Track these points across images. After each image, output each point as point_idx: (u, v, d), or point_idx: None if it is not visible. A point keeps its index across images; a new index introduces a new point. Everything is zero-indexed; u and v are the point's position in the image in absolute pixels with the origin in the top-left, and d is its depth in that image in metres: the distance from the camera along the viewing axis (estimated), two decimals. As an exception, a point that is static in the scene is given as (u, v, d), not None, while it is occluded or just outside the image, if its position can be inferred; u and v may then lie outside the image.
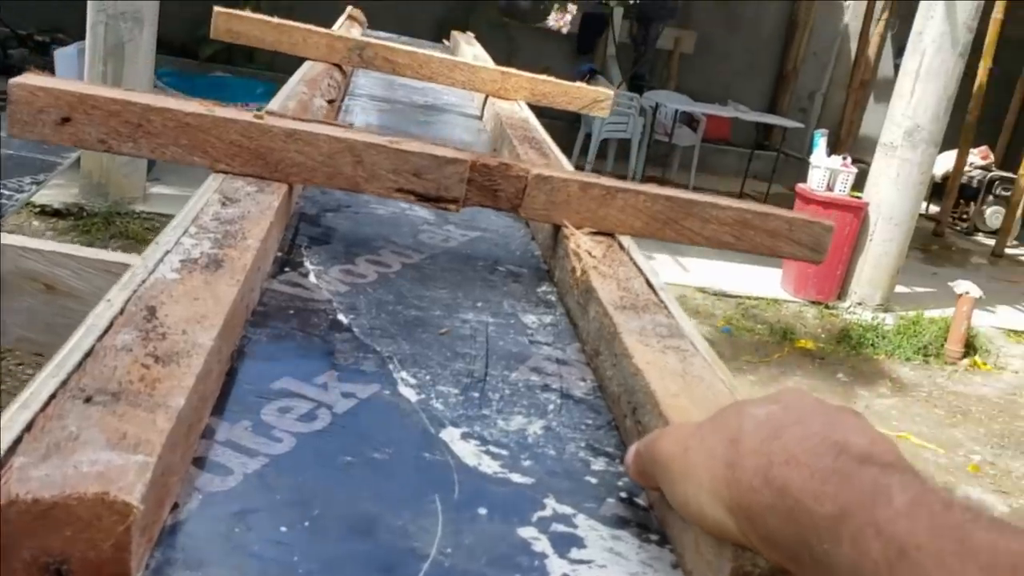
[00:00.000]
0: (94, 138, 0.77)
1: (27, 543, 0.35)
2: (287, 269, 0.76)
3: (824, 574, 0.35)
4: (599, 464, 0.55)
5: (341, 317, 0.69)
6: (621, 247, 0.84)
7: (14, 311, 1.74)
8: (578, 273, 0.77)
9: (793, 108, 9.34)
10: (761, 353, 4.58)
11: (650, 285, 0.75)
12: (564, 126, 7.21)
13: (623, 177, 6.97)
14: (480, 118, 1.70)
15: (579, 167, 7.44)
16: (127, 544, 0.36)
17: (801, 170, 6.14)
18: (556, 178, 0.84)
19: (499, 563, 0.44)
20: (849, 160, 5.31)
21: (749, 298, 5.27)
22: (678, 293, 5.05)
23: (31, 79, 0.76)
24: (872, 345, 4.87)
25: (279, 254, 0.79)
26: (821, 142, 5.41)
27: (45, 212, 4.48)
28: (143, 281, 0.55)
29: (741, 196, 7.66)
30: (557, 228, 0.88)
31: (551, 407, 0.61)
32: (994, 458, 3.83)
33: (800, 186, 5.39)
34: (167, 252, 0.60)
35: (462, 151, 0.84)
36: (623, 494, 0.53)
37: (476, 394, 0.61)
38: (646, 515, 0.51)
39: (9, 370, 3.00)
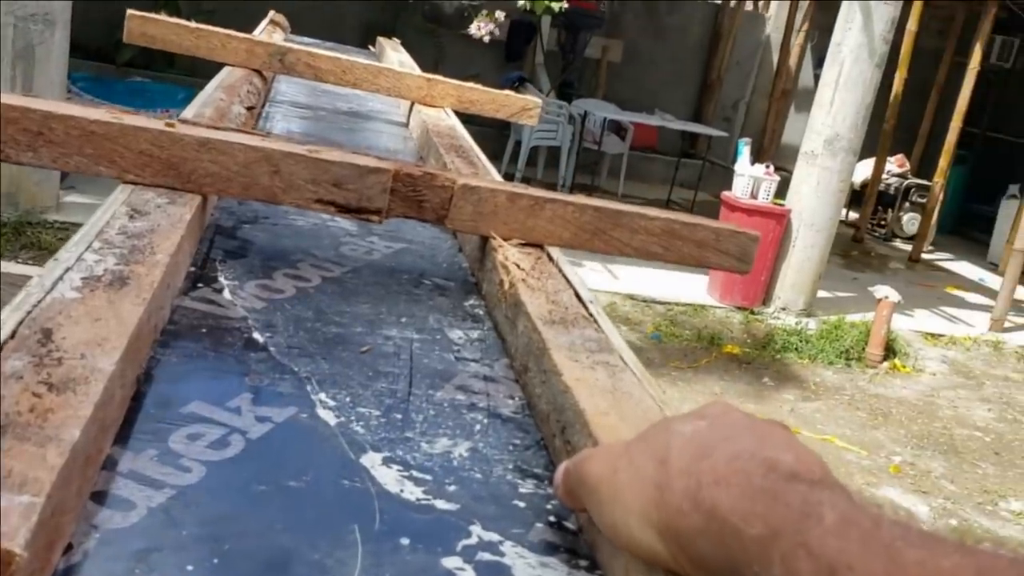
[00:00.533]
0: (-10, 147, 0.72)
1: None
2: (200, 285, 0.72)
3: None
4: (527, 487, 0.54)
5: (257, 335, 0.66)
6: (550, 259, 0.83)
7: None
8: (506, 286, 0.75)
9: (718, 117, 9.52)
10: (690, 359, 4.63)
11: (579, 298, 0.74)
12: (493, 133, 7.21)
13: (553, 184, 7.00)
14: (406, 125, 1.67)
15: (509, 175, 7.46)
16: (9, 596, 0.33)
17: (726, 178, 6.25)
18: (483, 188, 0.82)
19: (423, 597, 0.42)
20: (772, 168, 5.43)
21: (677, 304, 5.33)
22: (608, 301, 5.08)
23: (-80, 83, 0.71)
24: (796, 349, 4.97)
25: (192, 269, 0.75)
26: (745, 151, 5.51)
27: (-48, 221, 4.29)
28: (39, 301, 0.51)
29: (668, 203, 7.77)
30: (485, 240, 0.87)
31: (478, 427, 0.59)
32: (914, 459, 3.95)
33: (725, 194, 5.49)
34: (67, 269, 0.57)
35: (384, 160, 0.82)
36: (552, 518, 0.51)
37: (399, 415, 0.59)
38: (575, 539, 0.49)
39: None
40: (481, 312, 0.81)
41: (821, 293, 5.75)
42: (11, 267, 1.68)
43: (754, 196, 5.32)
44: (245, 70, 1.47)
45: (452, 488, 0.52)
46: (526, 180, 7.07)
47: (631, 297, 5.23)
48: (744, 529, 0.34)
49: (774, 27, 9.55)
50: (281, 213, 0.96)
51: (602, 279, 5.36)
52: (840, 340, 5.10)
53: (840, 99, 5.30)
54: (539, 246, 0.85)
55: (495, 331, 0.77)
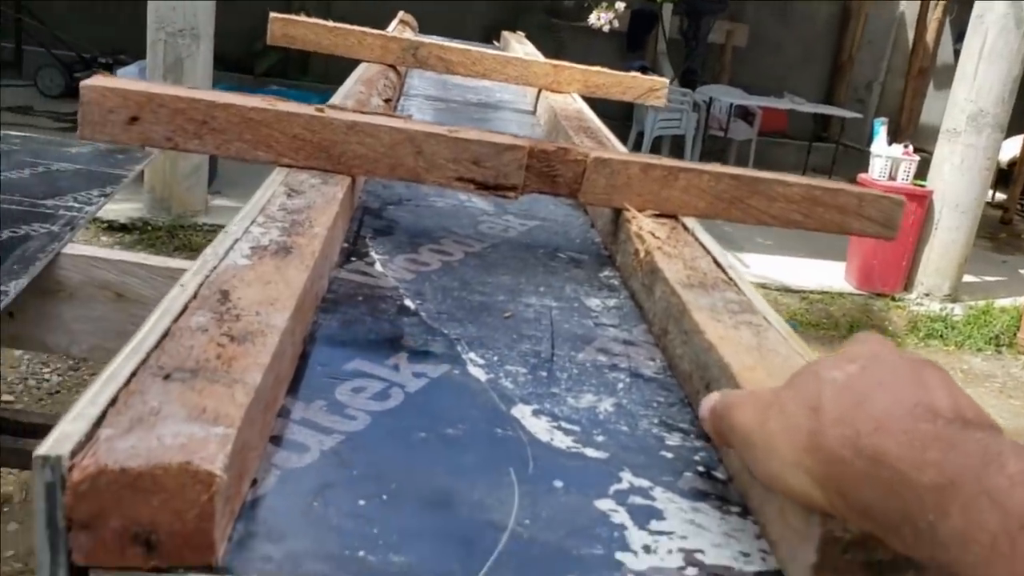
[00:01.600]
0: (161, 136, 0.78)
1: (116, 512, 0.35)
2: (353, 259, 0.77)
3: (928, 547, 0.33)
4: (674, 439, 0.55)
5: (408, 303, 0.69)
6: (685, 228, 0.83)
7: (87, 320, 1.79)
8: (642, 255, 0.76)
9: (850, 98, 9.16)
10: (829, 348, 4.48)
11: (718, 264, 0.74)
12: (616, 125, 7.17)
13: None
14: (534, 113, 1.69)
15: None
16: (211, 514, 0.36)
17: (861, 161, 6.02)
18: (615, 160, 0.83)
19: (578, 534, 0.43)
20: (911, 148, 5.19)
21: (813, 292, 5.17)
22: (738, 289, 4.98)
23: (101, 81, 0.78)
24: (941, 336, 4.74)
25: (345, 245, 0.79)
26: (881, 131, 5.29)
27: (112, 227, 4.60)
28: (215, 267, 0.56)
29: (799, 189, 7.52)
30: (618, 213, 0.88)
31: (620, 385, 0.61)
32: (1075, 449, 3.69)
33: (862, 176, 5.28)
34: (236, 240, 0.61)
35: (520, 138, 0.84)
36: (700, 468, 0.52)
37: (544, 373, 0.61)
38: (725, 488, 0.50)
39: (84, 380, 3.09)
40: (616, 282, 0.82)
41: (967, 277, 5.45)
42: (169, 262, 1.81)
43: (892, 178, 5.09)
44: (381, 65, 1.53)
45: (600, 438, 0.53)
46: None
47: (763, 286, 5.10)
48: (916, 477, 0.34)
49: (907, 3, 9.11)
50: (422, 195, 0.99)
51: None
52: (989, 326, 4.83)
53: (984, 72, 5.01)
54: (673, 217, 0.85)
55: (632, 300, 0.78)
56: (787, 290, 5.14)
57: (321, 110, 0.82)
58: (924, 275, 5.24)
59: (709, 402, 0.47)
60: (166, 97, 0.77)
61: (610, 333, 0.70)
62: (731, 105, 7.44)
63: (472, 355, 0.62)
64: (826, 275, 5.40)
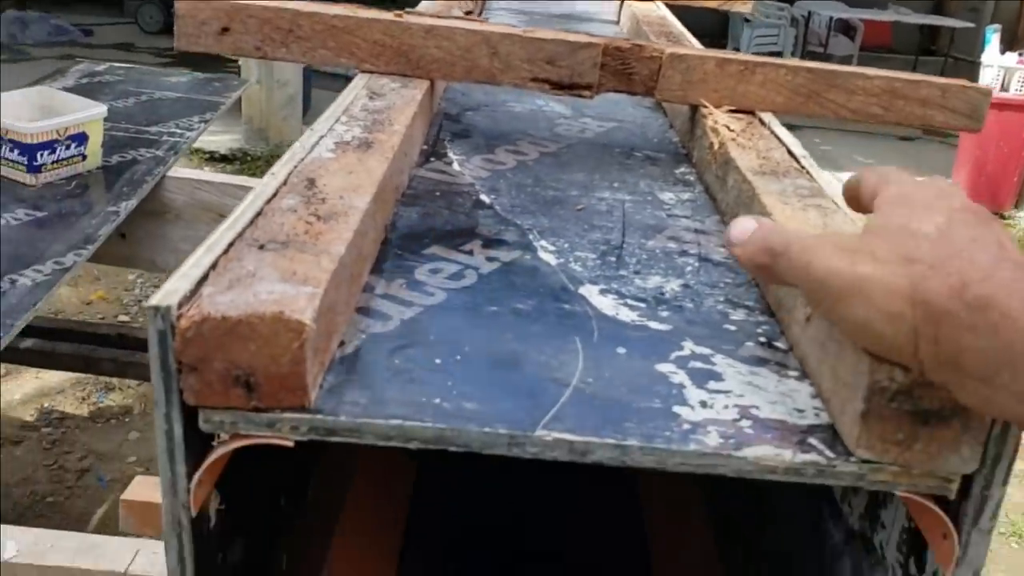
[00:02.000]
0: (251, 45, 0.83)
1: (218, 356, 0.40)
2: (432, 159, 0.80)
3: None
4: (738, 315, 0.57)
5: (484, 197, 0.72)
6: (762, 123, 0.83)
7: (193, 240, 1.88)
8: (716, 147, 0.77)
9: (962, 7, 8.64)
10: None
11: (792, 154, 0.74)
12: (710, 44, 6.98)
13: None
14: (617, 23, 1.68)
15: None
16: (302, 359, 0.40)
17: (972, 75, 5.70)
18: (691, 56, 0.84)
19: (638, 391, 0.46)
20: (1025, 56, 4.89)
21: (913, 211, 4.99)
22: (835, 209, 4.84)
23: (193, -5, 0.82)
24: (1053, 255, 4.54)
25: (424, 147, 0.83)
26: (993, 39, 5.00)
27: (213, 158, 4.78)
28: (302, 159, 0.60)
29: (903, 105, 7.21)
30: (695, 110, 0.88)
31: (688, 268, 0.63)
32: None
33: (969, 88, 5.02)
34: (322, 137, 0.65)
35: (595, 36, 0.85)
36: (762, 339, 0.54)
37: (613, 259, 0.63)
38: (785, 356, 0.52)
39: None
40: (692, 178, 0.83)
41: (1084, 193, 5.16)
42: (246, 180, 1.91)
43: (1004, 88, 4.83)
44: (462, -21, 1.53)
45: (664, 313, 0.56)
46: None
47: (860, 205, 4.95)
48: None
49: (1030, -102, 8.46)
50: (500, 102, 1.02)
51: (831, 187, 5.12)
52: (1107, 244, 4.59)
53: (1110, -30, 4.65)
54: (751, 112, 0.85)
55: (706, 193, 0.79)
56: (887, 209, 4.98)
57: (400, 15, 0.84)
58: (1036, 191, 4.99)
59: (746, 227, 0.46)
60: (254, 7, 0.81)
61: (682, 223, 0.72)
62: (831, 19, 7.12)
63: (543, 243, 0.64)
64: (929, 193, 5.19)
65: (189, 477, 0.42)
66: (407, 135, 0.71)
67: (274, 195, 0.54)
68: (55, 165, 1.85)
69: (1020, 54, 4.99)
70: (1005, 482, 0.42)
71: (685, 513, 1.01)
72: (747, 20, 6.97)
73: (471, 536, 1.05)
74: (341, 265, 0.46)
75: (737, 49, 7.14)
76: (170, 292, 0.41)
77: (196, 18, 0.82)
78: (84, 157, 1.91)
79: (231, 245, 0.46)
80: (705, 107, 0.84)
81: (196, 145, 4.47)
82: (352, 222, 0.51)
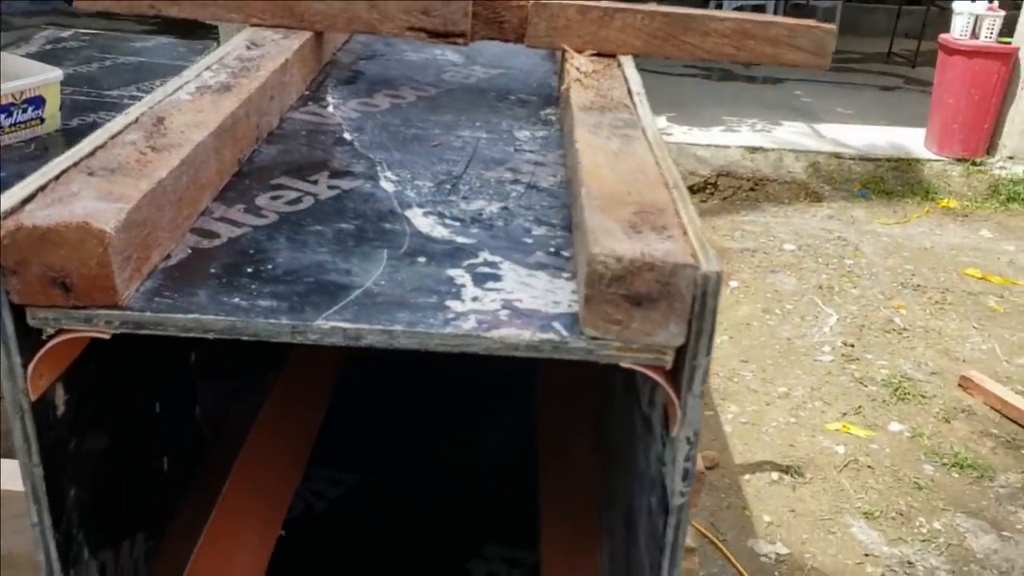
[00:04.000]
0: (145, 3, 0.89)
1: (35, 260, 0.48)
2: (310, 103, 0.87)
3: None
4: (540, 231, 0.64)
5: (346, 135, 0.79)
6: (619, 66, 0.90)
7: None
8: (563, 87, 0.84)
9: (948, -46, 8.57)
10: (899, 215, 4.41)
11: (629, 92, 0.81)
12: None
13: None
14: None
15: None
16: (108, 262, 0.48)
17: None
18: (554, 4, 0.90)
19: (421, 291, 0.54)
20: (996, 3, 4.90)
21: (888, 160, 5.04)
22: (811, 160, 4.89)
23: (90, -43, 0.88)
24: (1023, 200, 4.59)
25: (306, 93, 0.90)
26: (967, -14, 4.99)
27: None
28: (159, 101, 0.67)
29: (889, 56, 7.23)
30: (564, 56, 0.95)
31: (514, 194, 0.70)
32: None
33: (943, 36, 5.04)
34: (187, 82, 0.72)
35: (465, -13, 0.91)
36: (552, 249, 0.61)
37: (449, 186, 0.70)
38: (567, 262, 0.59)
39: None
40: (554, 119, 0.90)
41: (1060, 139, 5.20)
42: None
43: (975, 36, 4.85)
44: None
45: (475, 231, 0.63)
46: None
47: (836, 155, 5.00)
48: None
49: None
50: (397, 52, 1.08)
51: (805, 138, 5.16)
52: (1079, 189, 4.64)
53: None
54: (612, 56, 0.92)
55: (560, 132, 0.86)
56: (862, 158, 5.02)
57: (283, -28, 0.90)
58: (1008, 137, 5.02)
59: None
60: (146, -33, 0.88)
61: (526, 157, 0.79)
62: (813, -31, 7.09)
63: (388, 173, 0.72)
64: (906, 142, 5.23)
65: (25, 367, 0.50)
66: (273, 80, 0.77)
67: (121, 131, 0.61)
68: (12, 128, 1.91)
69: (990, 1, 4.99)
70: (708, 352, 0.49)
71: (572, 420, 1.09)
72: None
73: (383, 438, 1.13)
74: (160, 187, 0.54)
75: (720, 5, 7.12)
76: (-6, 208, 0.48)
77: (91, -22, 0.88)
78: (42, 120, 1.97)
79: (64, 172, 0.54)
80: (568, 51, 0.91)
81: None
82: (183, 152, 0.58)
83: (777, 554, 2.06)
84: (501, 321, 0.51)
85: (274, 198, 0.65)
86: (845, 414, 2.58)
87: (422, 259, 0.58)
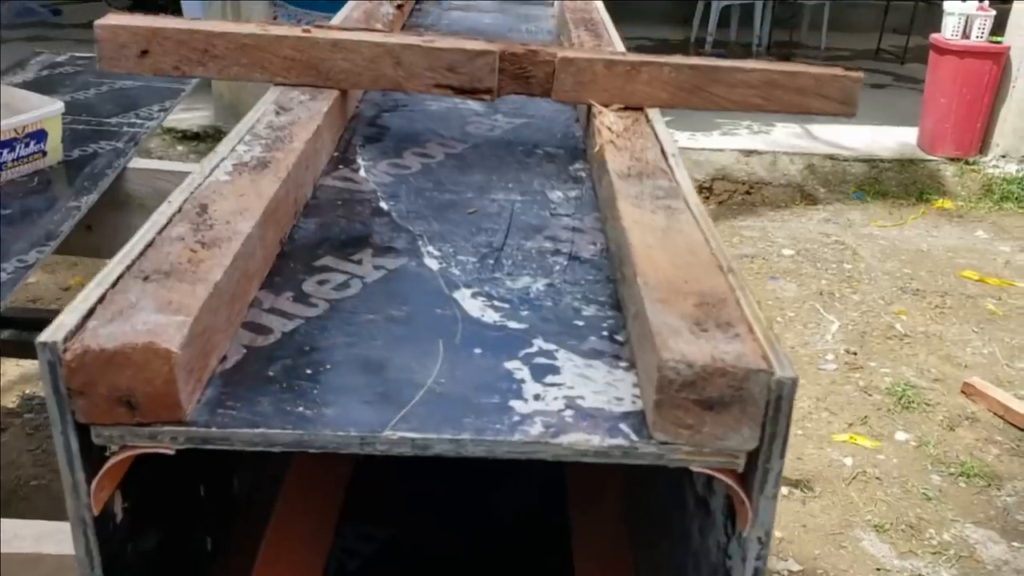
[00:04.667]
0: (169, 65, 0.88)
1: (101, 381, 0.47)
2: (340, 166, 0.86)
3: None
4: (590, 311, 0.64)
5: (383, 204, 0.78)
6: (647, 120, 0.90)
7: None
8: (596, 148, 0.83)
9: (933, -50, 8.60)
10: (895, 217, 4.43)
11: (664, 154, 0.81)
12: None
13: (748, 45, 6.64)
14: (552, 3, 1.73)
15: (700, 39, 7.09)
16: (174, 380, 0.47)
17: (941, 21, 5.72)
18: (581, 59, 0.90)
19: (483, 388, 0.54)
20: (987, 2, 4.92)
21: (882, 161, 5.05)
22: (805, 163, 4.91)
23: (112, 19, 0.88)
24: (1016, 199, 4.61)
25: (335, 154, 0.89)
26: (957, -15, 5.01)
27: (185, 136, 4.80)
28: (199, 184, 0.66)
29: (878, 53, 7.26)
30: (590, 108, 0.94)
31: (557, 267, 0.70)
32: None
33: (934, 36, 5.05)
34: (223, 159, 0.71)
35: (492, 43, 0.91)
36: (605, 332, 0.61)
37: (492, 261, 0.70)
38: (621, 348, 0.59)
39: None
40: (584, 174, 0.90)
41: (1050, 136, 5.22)
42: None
43: (966, 36, 4.86)
44: (396, -31, 1.58)
45: (524, 313, 0.62)
46: (719, 44, 6.82)
47: (830, 157, 5.01)
48: None
49: None
50: (417, 101, 1.08)
51: (799, 140, 5.17)
52: (1071, 186, 4.66)
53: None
54: (639, 109, 0.91)
55: (592, 190, 0.86)
56: (856, 160, 5.04)
57: (308, 31, 0.90)
58: (1000, 136, 5.04)
59: None
60: (170, 30, 0.87)
61: (563, 222, 0.78)
62: (801, -32, 7.10)
63: (430, 248, 0.71)
64: (899, 142, 5.25)
65: (88, 483, 0.50)
66: (308, 150, 0.77)
67: (167, 223, 0.60)
68: (15, 163, 1.90)
69: (980, 0, 5.01)
70: (782, 455, 0.49)
71: (600, 496, 1.09)
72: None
73: (407, 522, 1.13)
74: (216, 291, 0.53)
75: (709, 3, 7.12)
76: (58, 327, 0.47)
77: (116, 42, 0.87)
78: (44, 153, 1.96)
79: (120, 278, 0.53)
80: (595, 106, 0.90)
81: (167, 124, 4.49)
82: (234, 247, 0.58)
83: (790, 571, 2.07)
84: (567, 424, 0.51)
85: (321, 283, 0.64)
86: (851, 424, 2.59)
87: (478, 350, 0.58)
